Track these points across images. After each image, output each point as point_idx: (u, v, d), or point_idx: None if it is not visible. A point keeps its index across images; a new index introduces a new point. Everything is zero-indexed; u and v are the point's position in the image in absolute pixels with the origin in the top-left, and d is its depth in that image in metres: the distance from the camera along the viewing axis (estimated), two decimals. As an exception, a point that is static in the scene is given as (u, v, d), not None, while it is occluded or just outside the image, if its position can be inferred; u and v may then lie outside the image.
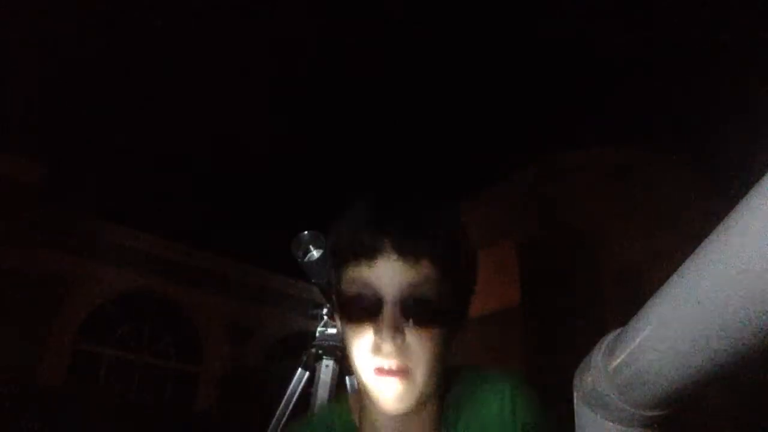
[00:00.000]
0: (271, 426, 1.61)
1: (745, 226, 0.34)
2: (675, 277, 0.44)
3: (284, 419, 1.61)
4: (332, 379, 1.57)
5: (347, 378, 1.58)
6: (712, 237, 0.38)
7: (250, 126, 4.21)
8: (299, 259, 1.49)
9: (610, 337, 0.55)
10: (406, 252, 0.68)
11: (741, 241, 0.34)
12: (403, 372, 0.68)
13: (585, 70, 2.92)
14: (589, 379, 0.54)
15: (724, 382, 0.42)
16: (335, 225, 0.76)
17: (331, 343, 1.60)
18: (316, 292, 1.62)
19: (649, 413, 0.49)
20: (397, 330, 0.67)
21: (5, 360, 4.97)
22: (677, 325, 0.42)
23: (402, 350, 0.68)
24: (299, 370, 1.65)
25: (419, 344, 0.69)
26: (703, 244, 0.39)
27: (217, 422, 7.27)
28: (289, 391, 1.64)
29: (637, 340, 0.48)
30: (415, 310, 0.68)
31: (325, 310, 1.64)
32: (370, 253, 0.69)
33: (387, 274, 0.68)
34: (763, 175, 0.34)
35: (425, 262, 0.69)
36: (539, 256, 3.48)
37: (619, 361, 0.50)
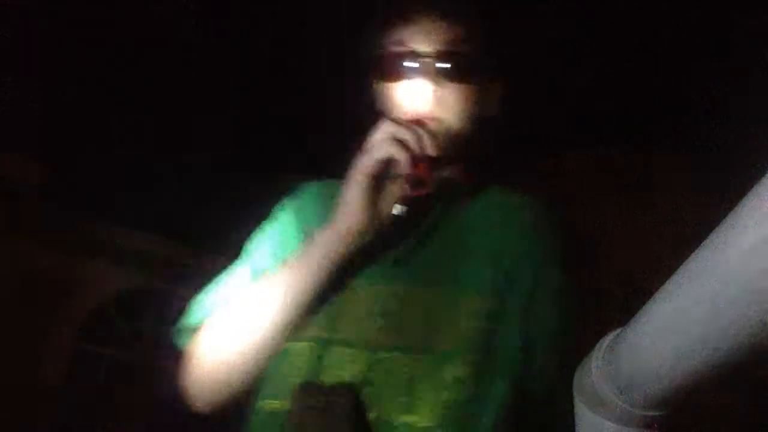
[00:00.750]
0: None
1: (744, 227, 0.34)
2: (675, 278, 0.44)
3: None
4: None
5: None
6: (712, 238, 0.38)
7: (250, 126, 4.22)
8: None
9: (610, 337, 0.55)
10: (445, 13, 0.77)
11: (740, 242, 0.34)
12: (435, 121, 0.75)
13: (584, 69, 2.92)
14: (589, 379, 0.54)
15: (724, 381, 0.42)
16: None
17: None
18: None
19: (649, 413, 0.49)
20: (433, 80, 0.75)
21: (5, 360, 4.97)
22: (677, 326, 0.42)
23: (435, 100, 0.75)
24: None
25: (452, 96, 0.76)
26: (702, 244, 0.39)
27: (217, 422, 7.26)
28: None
29: (637, 340, 0.48)
30: (450, 64, 0.76)
31: None
32: (413, 14, 0.78)
33: (426, 31, 0.77)
34: (763, 175, 0.34)
35: (461, 22, 0.78)
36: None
37: (619, 361, 0.50)
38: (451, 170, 0.81)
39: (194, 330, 0.79)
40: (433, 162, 0.69)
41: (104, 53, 3.25)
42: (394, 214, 0.69)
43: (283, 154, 3.86)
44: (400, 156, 0.67)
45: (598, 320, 0.59)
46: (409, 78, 0.76)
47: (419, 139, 0.68)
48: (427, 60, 0.75)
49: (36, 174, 4.92)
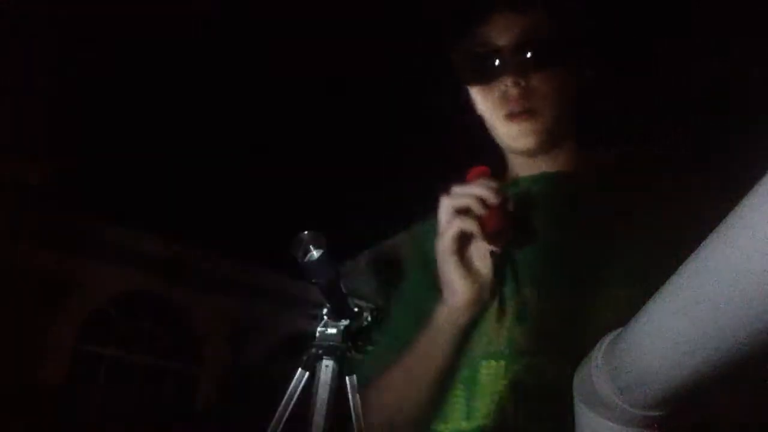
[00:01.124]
0: (270, 427, 1.61)
1: (744, 227, 0.34)
2: (675, 278, 0.44)
3: (284, 420, 1.61)
4: (332, 379, 1.56)
5: (347, 378, 1.58)
6: (712, 237, 0.38)
7: (250, 126, 4.22)
8: (299, 260, 1.49)
9: (610, 337, 0.54)
10: (517, 4, 0.77)
11: (740, 242, 0.34)
12: (529, 112, 0.77)
13: (584, 68, 2.92)
14: (589, 379, 0.54)
15: (724, 381, 0.42)
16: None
17: (331, 343, 1.59)
18: (316, 291, 1.61)
19: (649, 413, 0.48)
20: (519, 74, 0.75)
21: (5, 360, 4.96)
22: (677, 326, 0.42)
23: (527, 93, 0.76)
24: (299, 370, 1.65)
25: (542, 85, 0.77)
26: (703, 244, 0.39)
27: (217, 422, 7.26)
28: (288, 392, 1.63)
29: (637, 340, 0.48)
30: (533, 55, 0.76)
31: (324, 310, 1.64)
32: (485, 12, 0.77)
33: (503, 26, 0.77)
34: (763, 175, 0.34)
35: (535, 9, 0.77)
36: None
37: (619, 361, 0.50)
38: (550, 160, 0.83)
39: (363, 386, 0.87)
40: (501, 209, 0.71)
41: (105, 53, 3.25)
42: (492, 269, 0.73)
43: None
44: (469, 225, 0.70)
45: (598, 320, 0.60)
46: (495, 75, 0.77)
47: (479, 198, 0.70)
48: (508, 53, 0.75)
49: (36, 174, 4.92)
